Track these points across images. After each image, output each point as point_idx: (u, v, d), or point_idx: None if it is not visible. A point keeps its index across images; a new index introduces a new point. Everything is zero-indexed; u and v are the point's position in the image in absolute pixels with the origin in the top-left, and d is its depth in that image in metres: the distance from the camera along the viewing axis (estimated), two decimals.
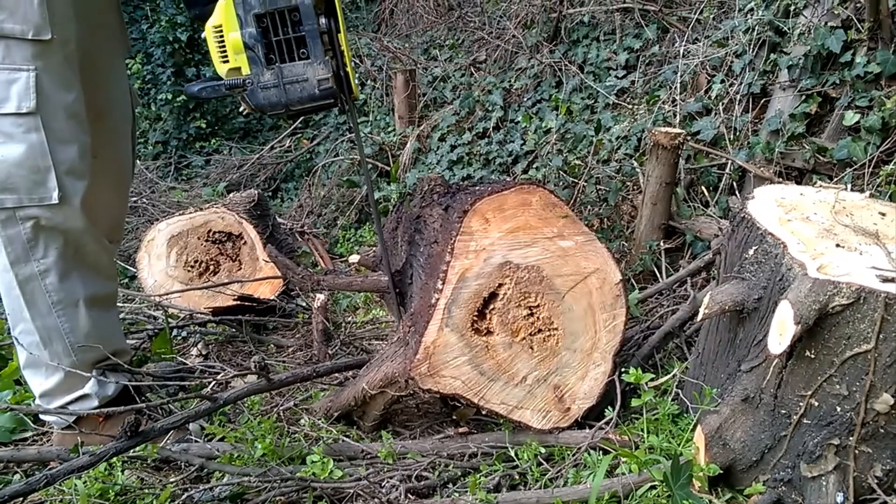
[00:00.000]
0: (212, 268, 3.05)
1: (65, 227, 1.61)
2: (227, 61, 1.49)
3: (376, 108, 5.40)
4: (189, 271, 3.03)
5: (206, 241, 3.06)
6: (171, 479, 1.64)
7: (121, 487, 1.57)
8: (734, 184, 2.83)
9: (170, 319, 2.64)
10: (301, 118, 5.84)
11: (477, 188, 1.90)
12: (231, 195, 3.49)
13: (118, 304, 2.03)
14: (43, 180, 1.54)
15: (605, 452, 1.61)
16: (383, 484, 1.54)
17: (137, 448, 1.57)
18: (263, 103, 1.50)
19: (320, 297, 3.07)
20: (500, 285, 1.70)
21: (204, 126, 6.14)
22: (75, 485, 1.52)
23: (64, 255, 1.63)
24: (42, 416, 1.86)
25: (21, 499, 1.50)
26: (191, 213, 3.12)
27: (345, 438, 1.79)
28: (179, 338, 2.64)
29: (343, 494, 1.54)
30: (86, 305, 1.69)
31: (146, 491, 1.56)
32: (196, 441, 1.79)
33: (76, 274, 1.67)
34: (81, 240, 1.65)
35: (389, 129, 4.87)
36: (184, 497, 1.53)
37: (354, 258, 2.80)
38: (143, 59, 6.20)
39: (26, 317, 1.64)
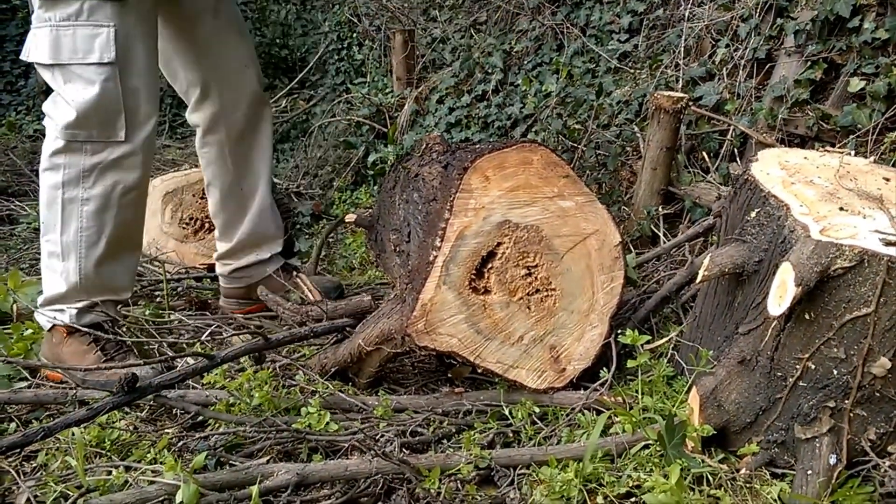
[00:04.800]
0: (207, 225, 3.02)
1: (120, 168, 1.86)
2: None
3: (374, 69, 5.31)
4: (184, 228, 3.00)
5: (202, 198, 3.02)
6: (168, 427, 1.64)
7: (118, 434, 1.57)
8: (735, 150, 2.80)
9: (166, 273, 2.62)
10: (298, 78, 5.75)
11: (477, 146, 1.88)
12: None
13: None
14: (113, 121, 1.81)
15: (600, 413, 1.61)
16: (378, 438, 1.54)
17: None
18: None
19: None
20: (499, 244, 1.68)
21: None
22: (72, 433, 1.52)
23: (107, 194, 1.87)
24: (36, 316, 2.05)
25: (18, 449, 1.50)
26: (186, 170, 3.08)
27: (340, 393, 1.80)
28: (174, 293, 2.63)
29: (338, 447, 1.55)
30: (105, 243, 1.90)
31: (144, 441, 1.57)
32: (194, 388, 1.80)
33: (108, 215, 1.89)
34: (130, 184, 1.88)
35: (387, 90, 4.80)
36: (179, 445, 1.54)
37: (350, 217, 2.77)
38: None
39: (57, 229, 1.88)
